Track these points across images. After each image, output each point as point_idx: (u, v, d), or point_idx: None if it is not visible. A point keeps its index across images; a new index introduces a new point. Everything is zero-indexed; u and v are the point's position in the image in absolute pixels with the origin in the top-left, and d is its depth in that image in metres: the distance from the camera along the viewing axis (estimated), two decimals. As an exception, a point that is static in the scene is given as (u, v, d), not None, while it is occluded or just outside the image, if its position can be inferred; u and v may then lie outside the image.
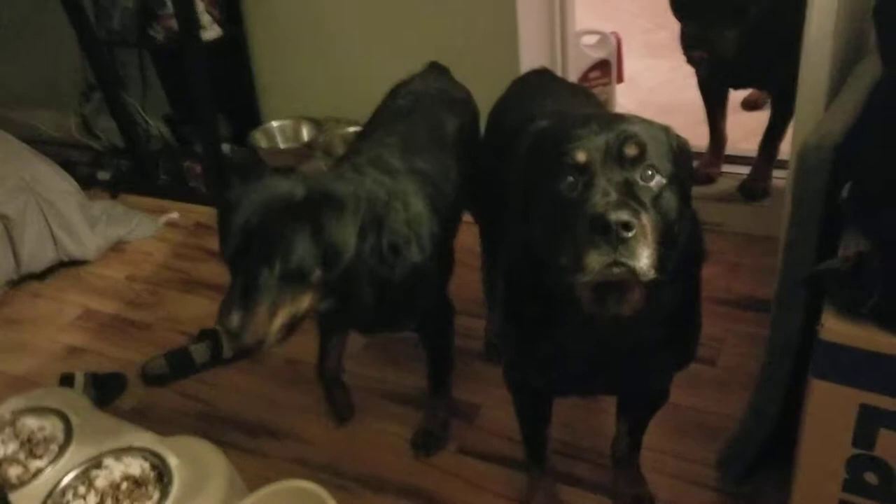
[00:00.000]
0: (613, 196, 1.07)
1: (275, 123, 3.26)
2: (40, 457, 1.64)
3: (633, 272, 1.06)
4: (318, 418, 2.11)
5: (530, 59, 2.59)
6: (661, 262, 1.10)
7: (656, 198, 1.12)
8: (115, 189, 3.41)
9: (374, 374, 2.24)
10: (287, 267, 1.43)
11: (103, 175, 3.48)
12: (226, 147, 3.24)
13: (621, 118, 1.18)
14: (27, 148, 2.98)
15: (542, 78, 2.01)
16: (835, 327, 1.13)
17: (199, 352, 2.32)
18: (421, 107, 2.01)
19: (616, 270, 1.06)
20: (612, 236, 1.03)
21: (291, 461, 1.99)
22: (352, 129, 2.98)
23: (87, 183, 3.30)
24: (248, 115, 3.33)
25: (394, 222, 1.65)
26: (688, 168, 1.22)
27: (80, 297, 2.77)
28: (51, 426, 1.72)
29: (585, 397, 1.92)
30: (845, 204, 1.26)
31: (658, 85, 3.60)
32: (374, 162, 1.76)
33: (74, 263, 2.92)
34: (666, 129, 1.21)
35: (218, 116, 3.18)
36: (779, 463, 1.56)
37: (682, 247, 1.21)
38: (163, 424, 2.12)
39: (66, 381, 2.22)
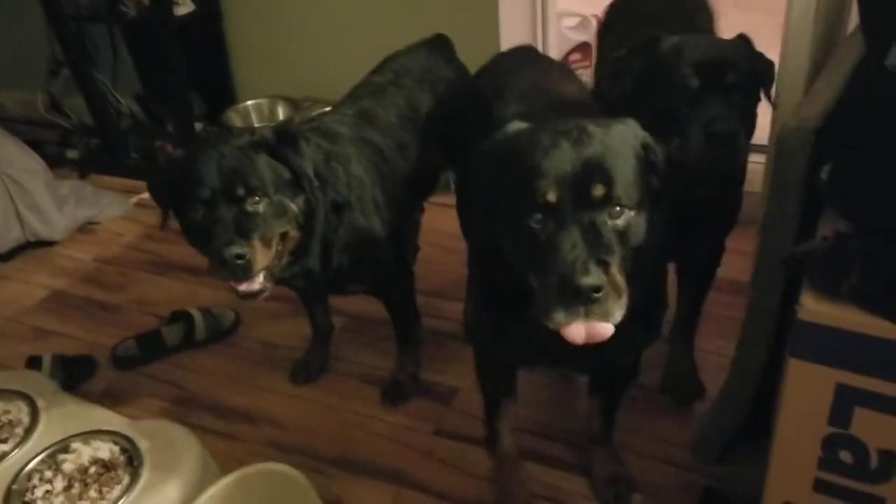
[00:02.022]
0: (581, 251, 1.08)
1: (250, 103, 3.21)
2: (5, 441, 1.60)
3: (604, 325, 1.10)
4: (293, 401, 2.09)
5: (511, 40, 2.56)
6: (630, 291, 1.13)
7: (624, 233, 1.13)
8: (84, 168, 3.34)
9: (350, 357, 2.22)
10: (270, 196, 1.54)
11: (72, 154, 3.41)
12: (198, 126, 3.18)
13: (589, 136, 1.14)
14: (-8, 125, 2.90)
15: (523, 54, 1.99)
16: (813, 307, 1.13)
17: (171, 334, 2.28)
18: (397, 84, 2.01)
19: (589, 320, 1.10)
20: (583, 299, 1.06)
21: (266, 444, 1.97)
22: (329, 109, 2.94)
23: (55, 162, 3.23)
24: (223, 94, 3.27)
25: (335, 182, 1.71)
26: (659, 169, 1.21)
27: (47, 279, 2.71)
28: (16, 410, 1.68)
29: (552, 370, 1.95)
30: (825, 186, 1.26)
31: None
32: (317, 129, 1.81)
33: (42, 244, 2.86)
34: (631, 133, 1.20)
35: (191, 94, 3.13)
36: (752, 444, 1.57)
37: (649, 246, 1.22)
38: (134, 408, 2.09)
39: (33, 363, 2.18)
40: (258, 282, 1.55)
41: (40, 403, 1.68)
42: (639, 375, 1.65)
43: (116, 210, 3.03)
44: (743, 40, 1.58)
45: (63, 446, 1.58)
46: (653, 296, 1.40)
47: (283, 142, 1.60)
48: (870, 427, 1.17)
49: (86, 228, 2.97)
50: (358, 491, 1.82)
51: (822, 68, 1.57)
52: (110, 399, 2.12)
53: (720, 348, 2.04)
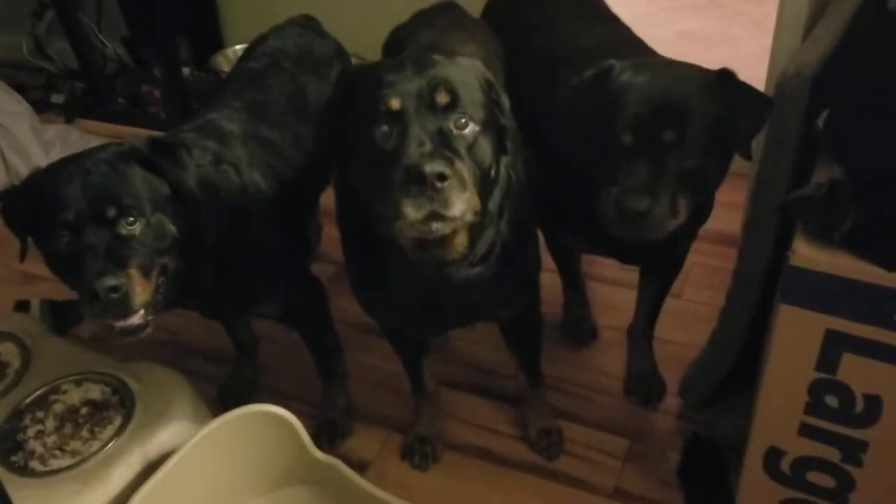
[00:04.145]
0: (428, 146, 1.09)
1: (238, 47, 3.13)
2: (-5, 381, 1.61)
3: (449, 222, 1.10)
4: (284, 347, 2.09)
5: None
6: (480, 208, 1.15)
7: (471, 146, 1.15)
8: (69, 113, 3.29)
9: (342, 305, 2.21)
10: (147, 216, 1.32)
11: (57, 98, 3.35)
12: (186, 71, 3.13)
13: (433, 62, 1.18)
14: (-25, 67, 2.85)
15: (438, 11, 1.91)
16: (805, 253, 1.13)
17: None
18: (277, 69, 1.85)
19: (434, 225, 1.09)
20: (428, 187, 1.05)
21: (258, 389, 1.98)
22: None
23: (40, 106, 3.18)
24: (210, 38, 3.21)
25: (227, 187, 1.53)
26: (500, 104, 1.24)
27: (34, 224, 2.68)
28: (6, 351, 1.69)
29: (437, 335, 1.95)
30: (821, 133, 1.26)
31: (631, 19, 3.54)
32: (202, 128, 1.62)
33: (28, 189, 2.82)
34: (475, 67, 1.24)
35: (178, 38, 3.06)
36: (739, 391, 1.59)
37: (506, 188, 1.27)
38: (124, 353, 2.08)
39: (22, 307, 2.17)
40: (138, 317, 1.32)
41: (31, 345, 1.68)
42: (540, 323, 1.68)
43: (104, 156, 2.99)
44: (721, 77, 1.36)
45: (54, 387, 1.59)
46: (522, 250, 1.43)
47: (158, 152, 1.39)
48: (857, 372, 1.19)
49: (73, 174, 2.93)
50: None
51: (821, 15, 1.55)
52: (101, 344, 2.11)
53: (709, 298, 2.06)
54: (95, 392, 1.58)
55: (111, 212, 1.29)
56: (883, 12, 1.05)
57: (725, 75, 1.37)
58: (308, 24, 2.05)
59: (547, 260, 1.80)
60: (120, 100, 3.27)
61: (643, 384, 1.87)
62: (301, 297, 1.76)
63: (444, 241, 1.21)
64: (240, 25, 3.19)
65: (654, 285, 1.81)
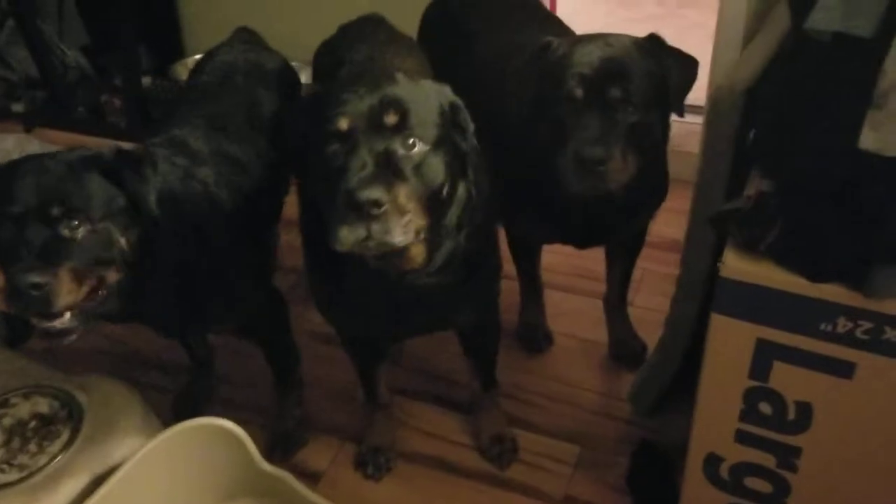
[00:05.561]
0: (369, 169, 1.10)
1: (199, 57, 3.12)
2: (-58, 395, 1.59)
3: (386, 246, 1.11)
4: (239, 358, 2.09)
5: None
6: (433, 225, 1.18)
7: (418, 166, 1.16)
8: (29, 122, 3.27)
9: (300, 314, 2.22)
10: (93, 222, 1.32)
11: (17, 107, 3.34)
12: (147, 80, 3.12)
13: (391, 80, 1.20)
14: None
15: (367, 25, 1.93)
16: (735, 264, 1.17)
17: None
18: (231, 83, 1.86)
19: (371, 244, 1.11)
20: (363, 213, 1.07)
21: (214, 401, 1.98)
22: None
23: (-1, 115, 3.16)
24: (171, 47, 3.20)
25: (196, 204, 1.54)
26: (464, 129, 1.27)
27: (-9, 235, 2.65)
28: (-47, 365, 1.67)
29: (398, 342, 1.98)
30: (751, 146, 1.29)
31: (591, 30, 3.59)
32: (171, 142, 1.63)
33: (-15, 199, 2.79)
34: (439, 90, 1.25)
35: (139, 47, 3.05)
36: (685, 397, 1.62)
37: (465, 204, 1.29)
38: (79, 365, 2.07)
39: (-26, 319, 2.15)
40: (63, 321, 1.30)
41: (-22, 359, 1.67)
42: (497, 332, 1.72)
43: (63, 165, 2.97)
44: (650, 41, 1.50)
45: (2, 400, 1.57)
46: (484, 257, 1.45)
47: (121, 162, 1.38)
48: (787, 380, 1.22)
49: (31, 184, 2.90)
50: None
51: (759, 29, 1.58)
52: (54, 356, 2.10)
53: (661, 305, 2.06)
54: (44, 405, 1.57)
55: (55, 210, 1.28)
56: (800, 32, 1.08)
57: (655, 39, 1.50)
58: (250, 38, 2.06)
59: (504, 267, 1.83)
60: (80, 109, 3.25)
61: (625, 348, 1.98)
62: (263, 312, 1.76)
63: (400, 252, 1.22)
64: (200, 35, 3.19)
65: (620, 263, 1.92)
